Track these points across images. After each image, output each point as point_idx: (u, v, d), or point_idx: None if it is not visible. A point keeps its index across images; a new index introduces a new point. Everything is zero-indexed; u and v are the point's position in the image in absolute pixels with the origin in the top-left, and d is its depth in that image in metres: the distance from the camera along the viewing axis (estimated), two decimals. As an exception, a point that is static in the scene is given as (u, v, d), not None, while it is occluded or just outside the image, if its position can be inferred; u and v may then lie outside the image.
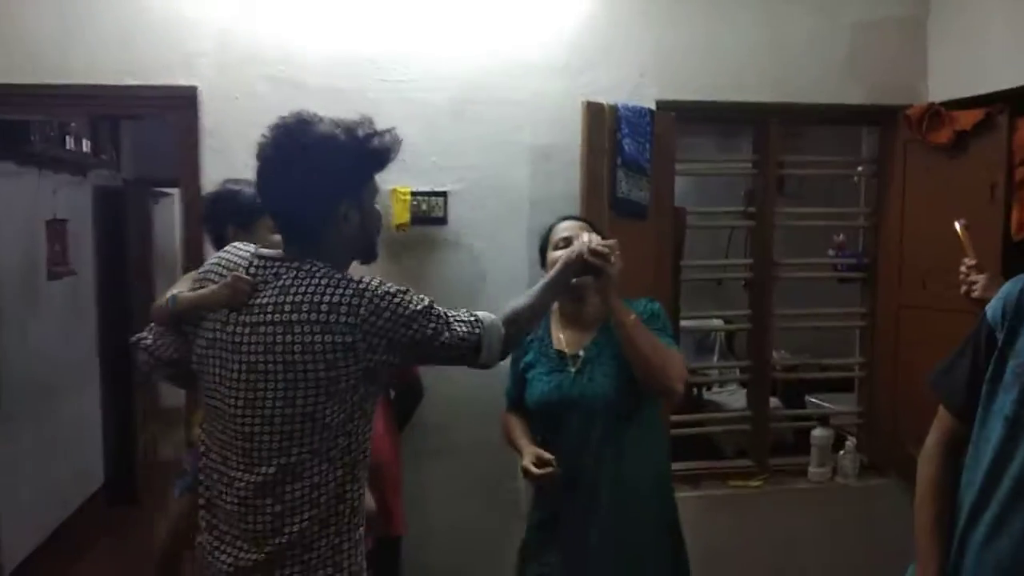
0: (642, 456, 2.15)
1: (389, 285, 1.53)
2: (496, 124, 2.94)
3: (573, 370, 2.16)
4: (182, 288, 1.70)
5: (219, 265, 1.61)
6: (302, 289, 1.49)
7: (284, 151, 1.51)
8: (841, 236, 3.50)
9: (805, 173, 3.77)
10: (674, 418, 3.51)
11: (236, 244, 1.66)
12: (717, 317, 4.37)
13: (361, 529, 1.61)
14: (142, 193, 5.68)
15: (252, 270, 1.55)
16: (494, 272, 2.96)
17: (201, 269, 1.68)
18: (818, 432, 3.34)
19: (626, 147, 2.77)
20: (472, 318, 1.62)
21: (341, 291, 1.48)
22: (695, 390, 5.17)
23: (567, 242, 2.12)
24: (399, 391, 2.71)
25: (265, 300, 1.51)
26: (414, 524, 2.71)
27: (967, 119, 2.85)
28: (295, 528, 1.50)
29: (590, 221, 2.30)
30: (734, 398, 4.71)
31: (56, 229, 4.43)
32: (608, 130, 2.78)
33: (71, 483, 4.74)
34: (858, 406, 3.52)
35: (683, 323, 3.32)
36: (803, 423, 3.58)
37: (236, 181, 2.15)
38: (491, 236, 2.96)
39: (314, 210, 1.53)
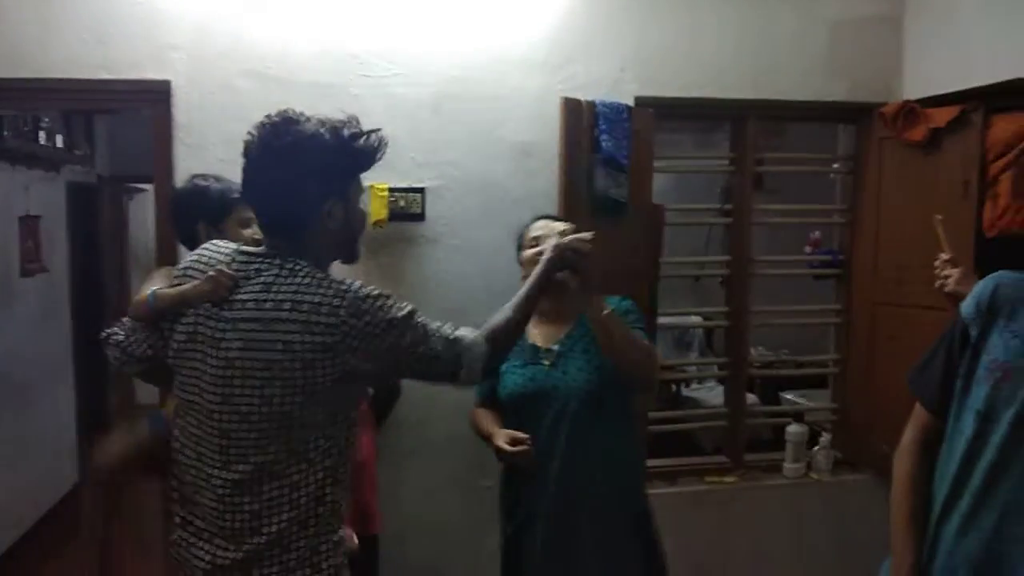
0: (613, 449, 2.17)
1: (372, 288, 1.52)
2: (476, 120, 2.93)
3: (547, 363, 2.18)
4: (157, 284, 1.69)
5: (199, 262, 1.60)
6: (284, 287, 1.48)
7: (269, 149, 1.51)
8: (817, 233, 3.52)
9: (782, 170, 3.79)
10: (653, 415, 3.54)
11: (216, 241, 1.66)
12: (696, 314, 4.40)
13: (341, 532, 1.60)
14: (117, 189, 5.63)
15: (234, 266, 1.55)
16: (473, 269, 2.95)
17: (180, 265, 1.66)
18: (792, 428, 3.37)
19: (604, 144, 2.77)
20: (452, 336, 1.59)
21: (323, 291, 1.47)
22: (674, 386, 5.22)
23: (537, 241, 2.15)
24: (377, 389, 2.70)
25: (246, 296, 1.50)
26: (390, 522, 2.71)
27: (942, 116, 2.87)
28: (273, 528, 1.49)
29: (565, 219, 2.31)
30: (713, 394, 4.76)
31: (29, 226, 4.39)
32: (586, 127, 2.78)
33: (44, 482, 4.69)
34: (832, 402, 3.55)
35: (662, 320, 3.33)
36: (780, 419, 3.60)
37: (204, 177, 2.12)
38: (470, 233, 2.95)
39: (299, 208, 1.53)
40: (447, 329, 1.60)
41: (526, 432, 2.10)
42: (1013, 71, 2.68)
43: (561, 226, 2.14)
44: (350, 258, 1.68)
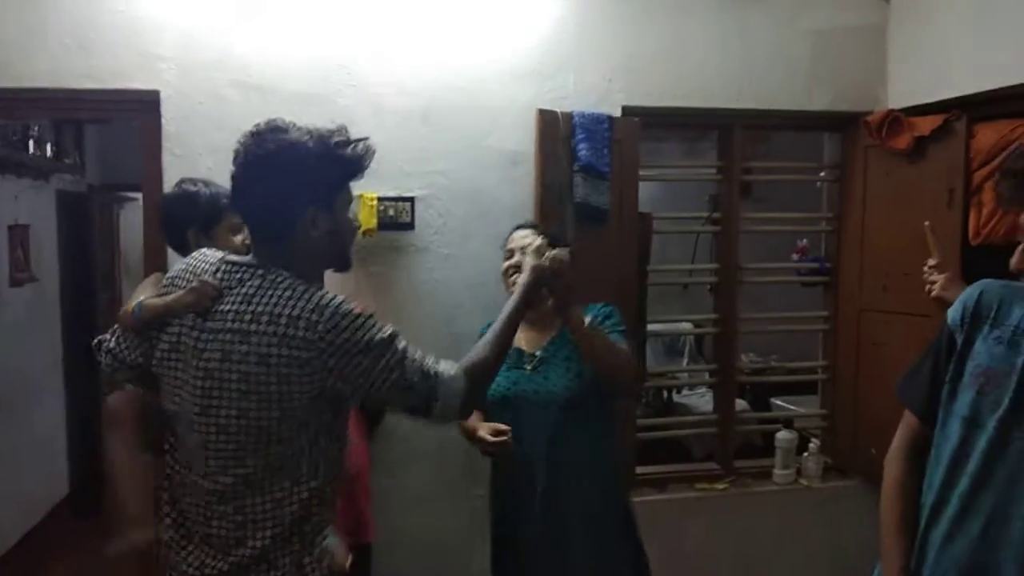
0: (592, 453, 2.22)
1: (353, 305, 1.49)
2: (464, 130, 2.94)
3: (529, 368, 2.25)
4: (147, 291, 1.69)
5: (186, 271, 1.60)
6: (264, 299, 1.47)
7: (254, 156, 1.50)
8: (804, 241, 3.55)
9: (769, 179, 3.82)
10: (643, 421, 3.55)
11: (204, 250, 1.65)
12: (686, 321, 4.42)
13: (328, 543, 1.59)
14: (107, 198, 5.61)
15: (219, 275, 1.55)
16: (462, 278, 2.95)
17: (169, 274, 1.67)
18: (782, 435, 3.38)
19: (582, 153, 2.80)
20: (431, 368, 1.54)
21: (302, 305, 1.45)
22: (665, 393, 5.23)
23: (512, 253, 2.24)
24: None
25: (227, 307, 1.50)
26: (382, 530, 2.70)
27: (926, 125, 2.90)
28: (258, 543, 1.49)
29: (545, 227, 2.35)
30: (704, 401, 4.76)
31: (18, 235, 4.37)
32: (563, 137, 2.81)
33: (35, 493, 4.66)
34: (821, 408, 3.57)
35: (652, 327, 3.34)
36: (770, 425, 3.62)
37: (193, 182, 2.10)
38: (459, 242, 2.96)
39: (281, 214, 1.52)
40: (428, 361, 1.55)
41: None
42: (996, 80, 2.72)
43: (536, 242, 2.16)
44: (342, 267, 1.67)
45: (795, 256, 3.52)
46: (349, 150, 1.54)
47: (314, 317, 1.44)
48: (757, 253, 3.72)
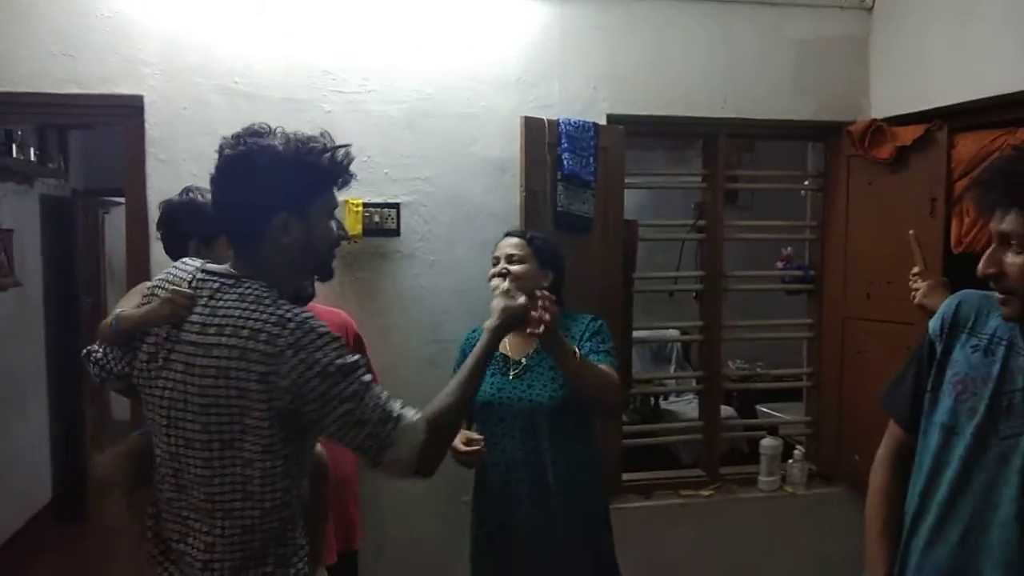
0: (571, 460, 2.23)
1: (320, 325, 1.43)
2: (450, 136, 2.94)
3: (512, 375, 2.25)
4: (131, 302, 1.67)
5: (166, 280, 1.58)
6: (229, 310, 1.44)
7: (228, 159, 1.48)
8: (789, 249, 3.57)
9: (754, 187, 3.84)
10: (630, 428, 3.55)
11: (185, 259, 1.63)
12: (672, 328, 4.43)
13: (302, 564, 1.58)
14: (92, 203, 5.58)
15: (194, 284, 1.52)
16: (448, 284, 2.96)
17: (150, 283, 1.65)
18: (767, 442, 3.39)
19: (566, 161, 2.80)
20: (392, 410, 1.45)
21: (265, 317, 1.41)
22: (652, 400, 5.23)
23: (497, 260, 2.25)
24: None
25: (196, 318, 1.47)
26: (368, 536, 2.71)
27: (908, 135, 2.92)
28: (227, 564, 1.47)
29: (533, 235, 2.35)
30: (691, 407, 4.76)
31: (2, 239, 4.33)
32: (548, 144, 2.82)
33: (17, 499, 4.62)
34: (806, 415, 3.58)
35: (638, 334, 3.35)
36: (756, 432, 3.63)
37: (199, 190, 2.00)
38: (444, 248, 2.96)
39: (252, 217, 1.49)
40: (391, 403, 1.47)
41: (490, 440, 2.18)
42: (976, 91, 2.75)
43: (505, 285, 2.06)
44: (323, 276, 1.65)
45: (780, 264, 3.54)
46: (325, 157, 1.51)
47: (275, 331, 1.40)
48: (742, 261, 3.74)
